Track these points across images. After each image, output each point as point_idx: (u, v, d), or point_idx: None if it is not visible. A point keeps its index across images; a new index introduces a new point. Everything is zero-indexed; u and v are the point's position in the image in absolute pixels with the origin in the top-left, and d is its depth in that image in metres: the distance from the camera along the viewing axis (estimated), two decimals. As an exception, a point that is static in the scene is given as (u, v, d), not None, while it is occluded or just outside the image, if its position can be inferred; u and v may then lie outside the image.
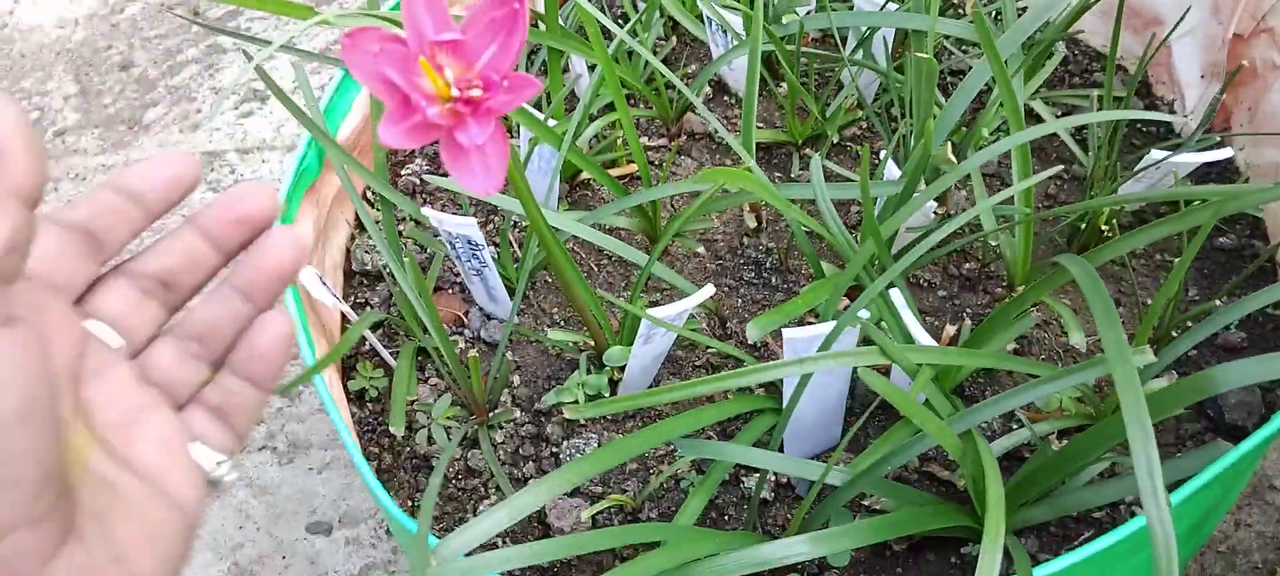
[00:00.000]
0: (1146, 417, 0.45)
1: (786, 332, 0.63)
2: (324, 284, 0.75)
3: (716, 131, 0.93)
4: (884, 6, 0.83)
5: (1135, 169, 0.75)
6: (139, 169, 0.33)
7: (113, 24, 1.49)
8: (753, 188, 0.60)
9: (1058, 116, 0.93)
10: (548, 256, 0.63)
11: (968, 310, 0.78)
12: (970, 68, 0.91)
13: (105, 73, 1.40)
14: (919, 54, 0.56)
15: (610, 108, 0.91)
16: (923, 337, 0.62)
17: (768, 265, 0.84)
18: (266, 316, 0.35)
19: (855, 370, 0.71)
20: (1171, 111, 0.93)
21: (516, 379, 0.78)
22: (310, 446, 0.97)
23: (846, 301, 0.77)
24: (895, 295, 0.61)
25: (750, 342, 0.66)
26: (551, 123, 0.80)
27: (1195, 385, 0.53)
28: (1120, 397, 0.46)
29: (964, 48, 0.96)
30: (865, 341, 0.61)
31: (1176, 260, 0.68)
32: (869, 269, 0.66)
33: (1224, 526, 0.82)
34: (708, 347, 0.79)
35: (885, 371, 0.66)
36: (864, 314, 0.66)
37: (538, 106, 0.87)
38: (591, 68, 0.86)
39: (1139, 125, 0.93)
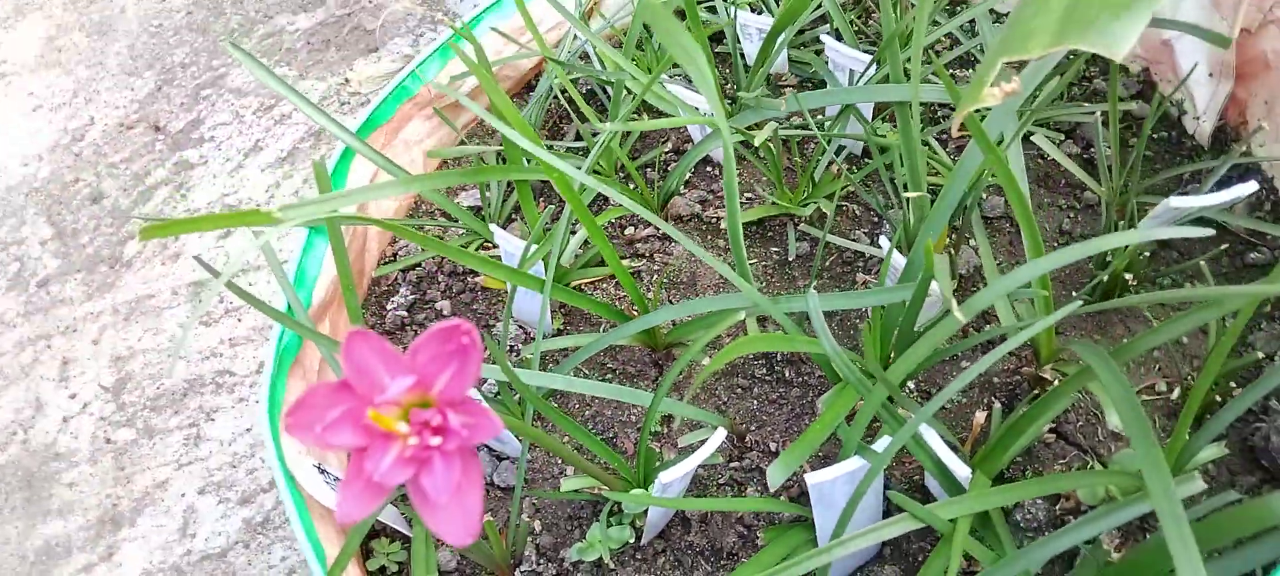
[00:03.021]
0: (1196, 557, 0.42)
1: (810, 478, 0.60)
2: (323, 475, 0.72)
3: (701, 214, 0.88)
4: (861, 79, 0.78)
5: (1151, 214, 0.70)
6: None
7: (76, 154, 1.45)
8: (764, 345, 0.56)
9: (1060, 143, 0.87)
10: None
11: (995, 385, 0.74)
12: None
13: (77, 209, 1.37)
14: (912, 193, 0.52)
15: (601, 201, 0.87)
16: (959, 469, 0.58)
17: (779, 357, 0.80)
18: None
19: (887, 482, 0.67)
20: (1182, 113, 0.87)
21: (538, 525, 0.75)
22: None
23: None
24: (928, 433, 0.57)
25: (772, 490, 0.63)
26: (532, 248, 0.76)
27: (1254, 513, 0.49)
28: (1165, 533, 0.43)
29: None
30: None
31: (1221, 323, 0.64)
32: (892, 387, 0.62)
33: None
34: (727, 464, 0.76)
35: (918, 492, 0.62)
36: (886, 442, 0.62)
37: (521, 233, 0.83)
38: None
39: (1151, 132, 0.87)
